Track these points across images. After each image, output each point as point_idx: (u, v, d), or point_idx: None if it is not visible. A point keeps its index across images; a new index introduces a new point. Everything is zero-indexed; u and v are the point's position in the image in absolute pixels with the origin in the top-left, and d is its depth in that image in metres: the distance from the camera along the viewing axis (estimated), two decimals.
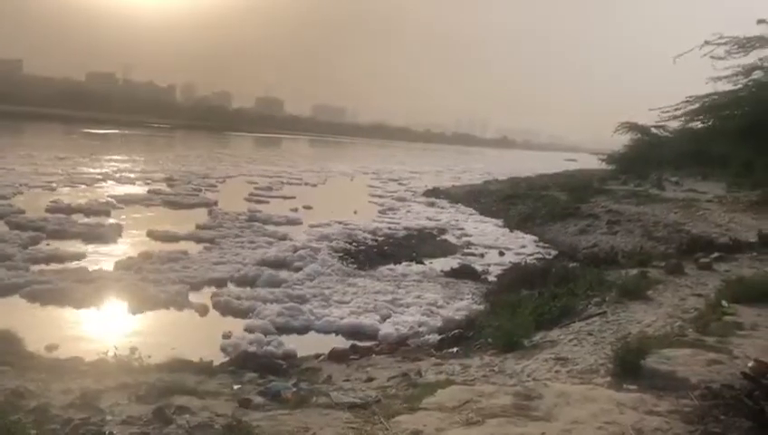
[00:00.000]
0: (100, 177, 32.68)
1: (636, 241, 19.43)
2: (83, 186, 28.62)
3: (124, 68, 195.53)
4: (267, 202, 28.14)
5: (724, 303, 8.95)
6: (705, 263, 13.03)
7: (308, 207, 26.64)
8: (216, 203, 25.97)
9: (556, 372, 6.72)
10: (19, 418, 4.67)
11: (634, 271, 12.96)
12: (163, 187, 30.81)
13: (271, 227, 20.78)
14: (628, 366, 6.00)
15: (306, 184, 39.74)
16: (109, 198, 24.41)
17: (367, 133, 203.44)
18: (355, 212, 26.15)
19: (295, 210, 25.52)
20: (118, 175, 34.33)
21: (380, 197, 34.71)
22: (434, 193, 38.09)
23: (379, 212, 27.56)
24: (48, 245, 15.64)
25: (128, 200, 24.75)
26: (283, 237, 19.02)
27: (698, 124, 20.24)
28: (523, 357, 7.57)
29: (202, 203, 25.99)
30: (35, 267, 13.33)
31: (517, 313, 9.59)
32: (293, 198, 30.40)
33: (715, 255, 13.93)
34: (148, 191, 28.44)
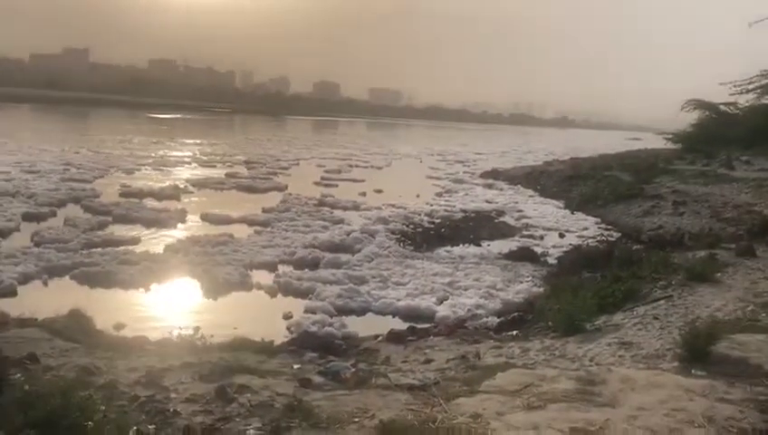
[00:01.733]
0: (188, 160, 35.11)
1: (703, 223, 18.74)
2: (166, 168, 30.29)
3: (184, 55, 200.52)
4: (336, 186, 28.19)
5: None
6: None
7: (378, 191, 26.40)
8: (286, 187, 26.19)
9: (620, 356, 6.55)
10: (89, 394, 4.83)
11: (702, 253, 12.54)
12: (239, 170, 31.84)
13: (338, 212, 20.69)
14: (697, 352, 5.80)
15: (373, 167, 40.07)
16: (186, 183, 25.30)
17: (422, 115, 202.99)
18: (417, 196, 25.87)
19: (363, 194, 25.34)
20: (199, 158, 36.32)
21: (439, 179, 34.48)
22: (492, 175, 37.61)
23: (436, 194, 27.30)
24: (103, 230, 15.84)
25: (202, 184, 25.51)
26: (339, 221, 18.95)
27: None
28: (584, 341, 7.40)
29: (274, 187, 26.29)
30: (88, 250, 13.51)
31: (579, 296, 9.39)
32: (363, 181, 30.43)
33: None
34: (226, 175, 29.28)
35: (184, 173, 29.01)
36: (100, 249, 13.67)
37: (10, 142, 35.36)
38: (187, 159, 35.28)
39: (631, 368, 5.87)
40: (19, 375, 5.05)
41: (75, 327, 7.15)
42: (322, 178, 30.51)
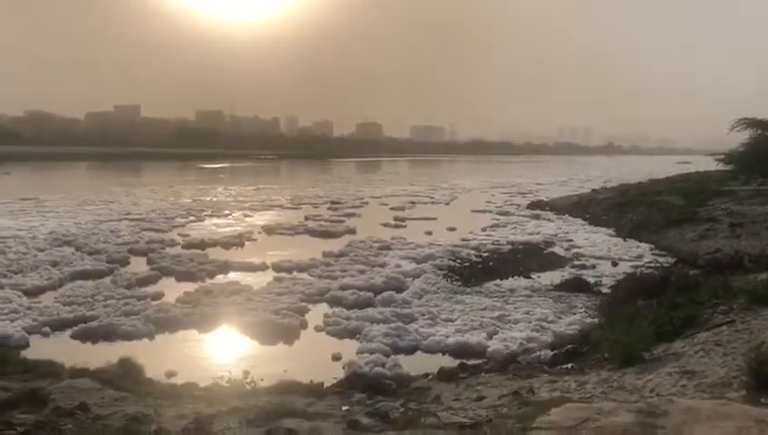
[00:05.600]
0: (266, 205, 37.03)
1: (764, 244, 18.03)
2: (248, 212, 32.56)
3: (230, 105, 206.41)
4: (405, 226, 28.02)
5: None
6: None
7: (452, 229, 26.13)
8: (354, 230, 26.13)
9: (682, 386, 6.25)
10: None
11: (764, 275, 12.01)
12: (316, 212, 33.11)
13: (399, 252, 20.20)
14: (766, 378, 5.47)
15: (437, 202, 40.79)
16: (260, 229, 26.25)
17: (466, 150, 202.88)
18: (482, 229, 25.78)
19: (429, 233, 25.02)
20: (273, 203, 38.23)
21: (489, 212, 34.38)
22: (539, 205, 37.13)
23: (482, 229, 26.93)
24: (148, 286, 15.60)
25: (274, 229, 26.34)
26: (381, 265, 18.12)
27: None
28: (643, 371, 7.10)
29: (345, 231, 26.12)
30: (101, 303, 13.38)
31: (635, 325, 9.07)
32: (435, 219, 30.28)
33: None
34: (306, 217, 30.33)
35: (260, 219, 30.00)
36: (104, 301, 13.50)
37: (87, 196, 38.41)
38: (264, 205, 37.03)
39: (695, 398, 5.57)
40: (70, 426, 5.08)
41: (125, 376, 7.21)
42: (396, 218, 30.50)
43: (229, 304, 13.55)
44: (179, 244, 22.10)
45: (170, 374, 9.17)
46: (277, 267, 17.97)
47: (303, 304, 13.73)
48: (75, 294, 14.31)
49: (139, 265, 18.18)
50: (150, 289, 15.28)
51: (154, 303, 13.68)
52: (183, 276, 16.84)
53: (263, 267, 18.07)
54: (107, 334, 11.62)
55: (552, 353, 10.09)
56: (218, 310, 13.06)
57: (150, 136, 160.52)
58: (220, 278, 16.74)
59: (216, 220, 29.53)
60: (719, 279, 12.16)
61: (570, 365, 8.82)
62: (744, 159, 40.01)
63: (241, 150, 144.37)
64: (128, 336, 11.56)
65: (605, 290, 14.99)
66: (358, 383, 8.36)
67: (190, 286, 15.49)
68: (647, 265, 18.18)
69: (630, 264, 18.69)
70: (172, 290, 15.10)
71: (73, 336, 11.67)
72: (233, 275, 17.08)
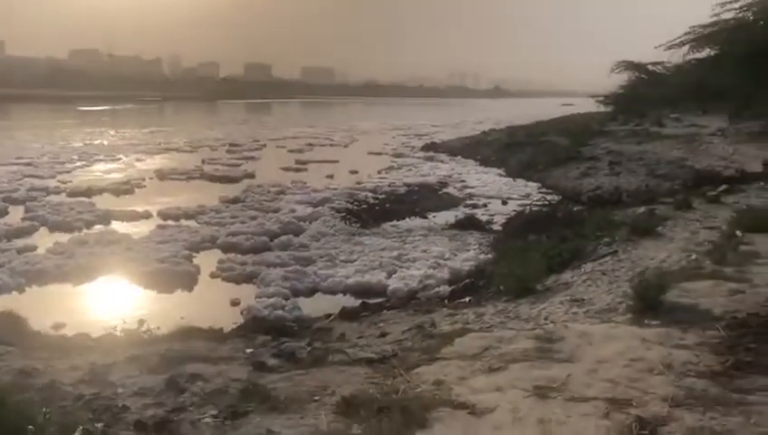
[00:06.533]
0: (156, 148, 35.84)
1: (640, 180, 19.24)
2: (141, 156, 31.48)
3: (108, 44, 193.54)
4: (306, 170, 27.71)
5: (738, 233, 8.81)
6: (712, 196, 12.94)
7: (354, 172, 25.99)
8: (253, 175, 25.56)
9: (573, 313, 6.59)
10: (29, 396, 4.53)
11: (641, 209, 12.84)
12: (213, 156, 32.58)
13: (294, 197, 19.92)
14: (649, 302, 5.87)
15: (336, 145, 40.94)
16: (152, 174, 25.25)
17: (358, 92, 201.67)
18: (380, 173, 26.06)
19: (331, 176, 24.74)
20: (169, 146, 37.20)
21: (385, 154, 34.59)
22: (432, 147, 37.71)
23: (378, 172, 27.05)
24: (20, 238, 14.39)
25: (167, 175, 25.42)
26: (276, 210, 17.67)
27: (702, 54, 19.74)
28: (537, 301, 7.44)
29: (244, 175, 25.42)
30: None
31: (527, 258, 9.46)
32: (336, 162, 30.08)
33: (723, 187, 13.82)
34: (202, 161, 29.70)
35: (153, 163, 28.91)
36: None
37: None
38: (159, 148, 35.99)
39: (586, 323, 5.90)
40: None
41: (8, 330, 6.75)
42: (297, 161, 30.42)
43: (106, 255, 12.73)
44: (64, 191, 20.80)
45: (58, 326, 8.69)
46: (163, 215, 17.18)
47: (187, 252, 13.16)
48: None
49: (16, 215, 16.93)
50: (21, 241, 14.06)
51: (21, 255, 12.55)
52: (59, 226, 15.68)
53: (146, 215, 17.17)
54: None
55: (450, 289, 10.39)
56: (94, 261, 12.25)
57: (17, 76, 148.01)
58: (99, 228, 15.65)
59: (107, 165, 28.06)
60: (602, 214, 12.88)
61: (467, 299, 9.11)
62: (622, 101, 42.26)
63: (121, 92, 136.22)
64: None
65: (497, 227, 15.54)
66: (258, 328, 8.26)
67: (64, 237, 14.44)
68: (535, 202, 19.01)
69: (519, 202, 19.45)
70: (45, 241, 14.04)
71: None
72: (114, 225, 16.07)
